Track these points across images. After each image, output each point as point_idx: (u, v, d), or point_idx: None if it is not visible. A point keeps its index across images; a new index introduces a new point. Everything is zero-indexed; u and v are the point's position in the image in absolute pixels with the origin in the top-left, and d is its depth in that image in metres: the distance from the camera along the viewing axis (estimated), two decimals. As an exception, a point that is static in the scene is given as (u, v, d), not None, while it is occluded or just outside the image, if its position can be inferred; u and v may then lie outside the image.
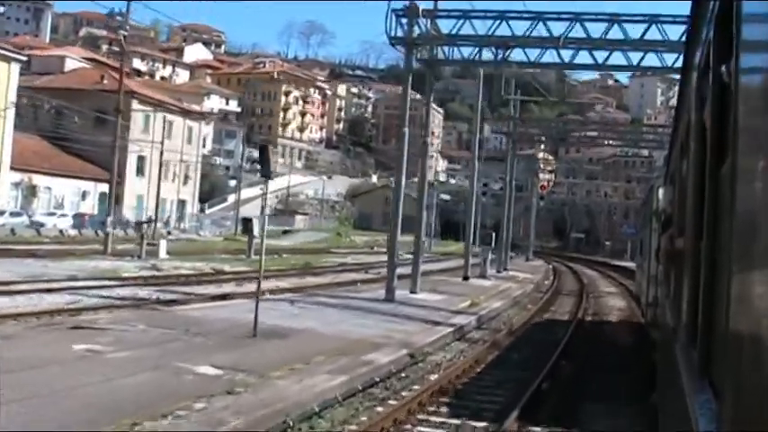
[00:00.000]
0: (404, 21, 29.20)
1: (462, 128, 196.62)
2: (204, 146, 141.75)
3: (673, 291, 6.69)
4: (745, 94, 2.27)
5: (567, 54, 30.33)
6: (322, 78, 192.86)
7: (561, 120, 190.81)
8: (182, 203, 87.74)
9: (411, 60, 30.84)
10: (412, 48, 30.05)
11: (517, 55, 31.19)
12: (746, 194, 2.15)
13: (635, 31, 28.25)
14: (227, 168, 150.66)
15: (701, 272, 3.52)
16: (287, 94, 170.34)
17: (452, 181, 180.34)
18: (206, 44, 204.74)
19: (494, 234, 53.73)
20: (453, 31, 30.34)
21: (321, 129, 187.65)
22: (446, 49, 32.53)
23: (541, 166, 77.64)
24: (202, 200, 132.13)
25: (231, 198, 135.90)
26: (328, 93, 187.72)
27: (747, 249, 2.09)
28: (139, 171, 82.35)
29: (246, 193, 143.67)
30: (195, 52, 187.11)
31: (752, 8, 2.18)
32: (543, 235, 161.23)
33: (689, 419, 3.23)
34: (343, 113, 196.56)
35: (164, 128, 75.97)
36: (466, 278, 40.89)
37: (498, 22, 29.42)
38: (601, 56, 29.37)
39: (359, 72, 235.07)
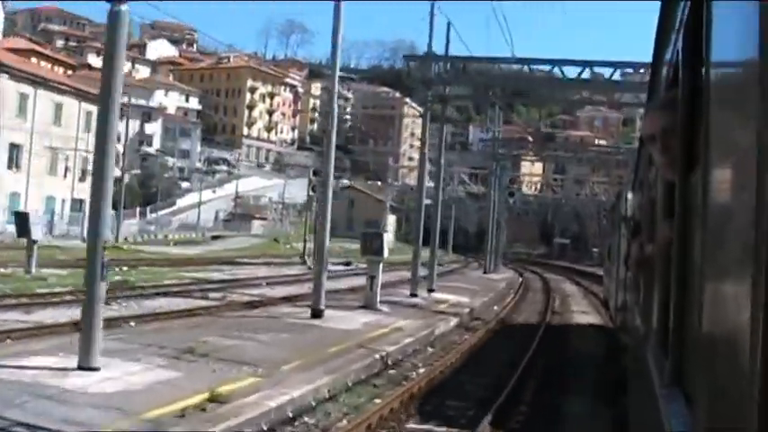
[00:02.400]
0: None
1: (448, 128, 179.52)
2: (151, 144, 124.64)
3: (642, 297, 6.46)
4: (716, 102, 2.24)
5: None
6: (297, 77, 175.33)
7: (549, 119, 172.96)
8: (78, 203, 70.08)
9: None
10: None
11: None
12: (717, 201, 2.15)
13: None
14: (182, 170, 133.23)
15: (671, 278, 3.42)
16: (252, 90, 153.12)
17: (431, 184, 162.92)
18: (177, 42, 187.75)
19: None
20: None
21: (293, 129, 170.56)
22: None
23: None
24: (148, 202, 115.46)
25: (182, 201, 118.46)
26: (300, 91, 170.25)
27: (718, 256, 2.09)
28: (13, 163, 64.75)
29: (203, 195, 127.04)
30: (159, 49, 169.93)
31: (723, 14, 2.16)
32: (530, 241, 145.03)
33: (661, 426, 3.19)
34: (317, 113, 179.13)
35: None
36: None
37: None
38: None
39: (340, 73, 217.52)
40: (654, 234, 4.74)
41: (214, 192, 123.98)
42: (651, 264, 4.88)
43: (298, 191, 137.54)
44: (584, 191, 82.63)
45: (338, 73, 25.81)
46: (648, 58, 5.90)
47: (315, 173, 52.69)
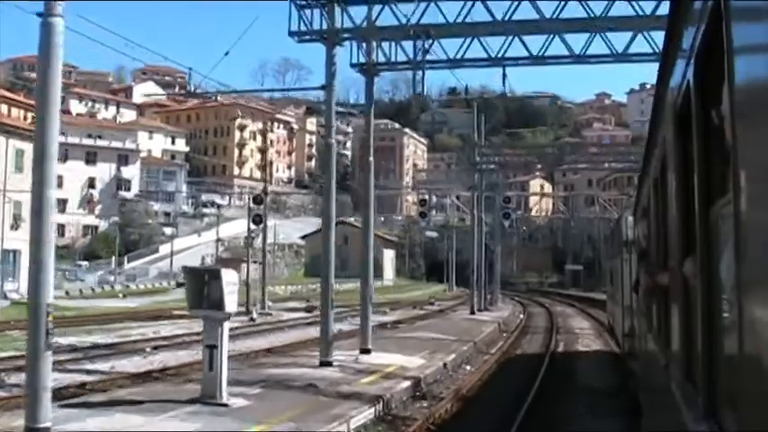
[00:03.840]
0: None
1: (450, 159, 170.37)
2: (129, 189, 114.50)
3: (658, 324, 6.30)
4: (742, 134, 2.21)
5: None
6: (290, 113, 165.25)
7: (555, 144, 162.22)
8: (12, 254, 59.23)
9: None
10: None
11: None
12: (751, 232, 2.12)
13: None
14: (167, 214, 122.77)
15: (696, 308, 3.34)
16: (242, 128, 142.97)
17: (439, 217, 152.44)
18: (168, 86, 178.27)
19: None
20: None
21: (289, 167, 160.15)
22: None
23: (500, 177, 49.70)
24: (129, 250, 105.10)
25: (166, 248, 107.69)
26: (295, 127, 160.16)
27: (755, 285, 2.06)
28: None
29: (187, 241, 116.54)
30: (146, 91, 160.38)
31: (746, 37, 2.12)
32: (543, 268, 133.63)
33: None
34: (314, 150, 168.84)
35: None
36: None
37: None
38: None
39: (339, 108, 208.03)
40: (667, 262, 4.77)
41: (199, 236, 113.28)
42: (667, 292, 4.93)
43: (294, 231, 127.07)
44: (595, 208, 71.33)
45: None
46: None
47: (254, 221, 42.22)
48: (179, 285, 77.57)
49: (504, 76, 21.43)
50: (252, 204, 44.81)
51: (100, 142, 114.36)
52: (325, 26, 19.80)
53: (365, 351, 21.45)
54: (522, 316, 47.37)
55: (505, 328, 37.29)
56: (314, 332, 31.61)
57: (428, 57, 21.12)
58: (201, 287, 14.19)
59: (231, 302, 14.05)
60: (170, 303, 52.74)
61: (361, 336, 22.06)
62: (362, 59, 22.00)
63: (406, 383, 17.63)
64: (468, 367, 23.04)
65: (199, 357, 23.96)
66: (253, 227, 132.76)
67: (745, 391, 2.13)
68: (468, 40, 21.52)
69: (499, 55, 21.16)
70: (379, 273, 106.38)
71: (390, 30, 20.34)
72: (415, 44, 20.26)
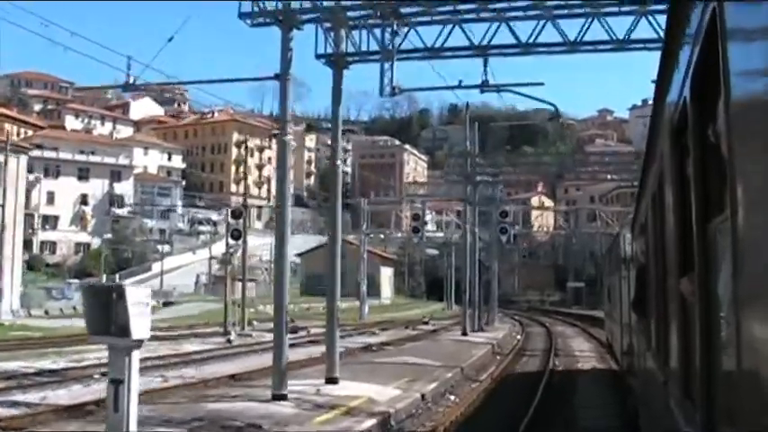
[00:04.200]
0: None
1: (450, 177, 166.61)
2: (122, 206, 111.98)
3: (656, 342, 6.23)
4: (739, 151, 2.22)
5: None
6: (290, 130, 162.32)
7: (557, 158, 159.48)
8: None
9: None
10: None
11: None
12: (749, 249, 2.12)
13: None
14: (162, 231, 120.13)
15: (695, 325, 3.33)
16: (239, 145, 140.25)
17: (440, 234, 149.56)
18: (167, 103, 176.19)
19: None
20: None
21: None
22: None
23: (500, 191, 46.94)
24: (121, 268, 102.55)
25: (158, 266, 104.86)
26: (294, 144, 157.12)
27: (753, 303, 2.06)
28: None
29: (181, 259, 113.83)
30: (143, 108, 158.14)
31: (743, 55, 2.14)
32: (545, 286, 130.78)
33: None
34: (313, 167, 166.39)
35: None
36: None
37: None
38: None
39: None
40: (666, 279, 4.77)
41: (194, 253, 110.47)
42: (665, 309, 4.96)
43: (293, 249, 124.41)
44: (597, 223, 68.57)
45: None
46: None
47: (233, 236, 39.59)
48: (165, 305, 75.10)
49: (486, 64, 18.63)
50: (231, 219, 42.01)
51: (93, 158, 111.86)
52: (280, 6, 17.09)
53: (331, 380, 18.64)
54: (519, 337, 44.45)
55: (500, 351, 34.43)
56: (293, 355, 28.98)
57: (404, 46, 18.44)
58: (106, 308, 11.40)
59: (140, 327, 11.22)
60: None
61: (327, 362, 19.21)
62: (330, 50, 19.35)
63: (371, 422, 14.84)
64: (451, 398, 20.22)
65: (154, 385, 21.33)
66: (251, 243, 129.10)
67: (743, 409, 2.13)
68: (449, 28, 18.82)
69: (483, 43, 18.40)
70: (376, 291, 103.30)
71: (356, 10, 17.63)
72: (384, 31, 17.58)
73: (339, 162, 20.12)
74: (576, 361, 31.18)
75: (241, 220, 40.94)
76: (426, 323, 53.31)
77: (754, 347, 2.01)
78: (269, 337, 40.30)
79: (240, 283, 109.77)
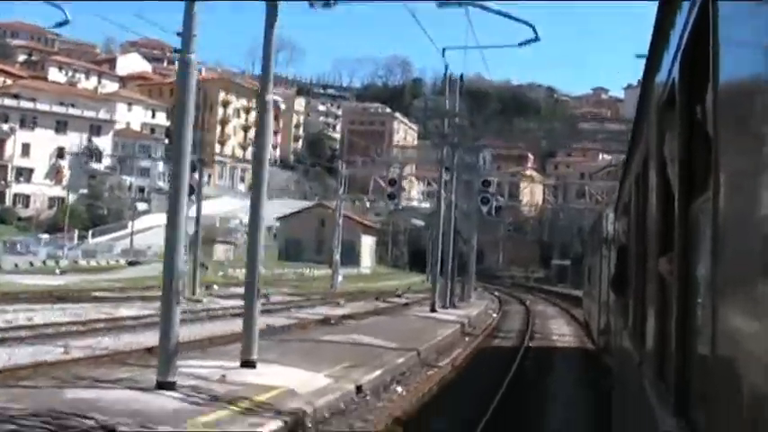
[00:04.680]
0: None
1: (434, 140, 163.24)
2: (100, 161, 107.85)
3: (633, 321, 6.07)
4: (725, 132, 2.22)
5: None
6: (278, 92, 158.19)
7: (549, 131, 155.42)
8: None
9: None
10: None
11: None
12: (729, 229, 2.11)
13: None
14: (142, 190, 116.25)
15: (672, 306, 3.29)
16: (225, 105, 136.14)
17: (426, 205, 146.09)
18: (157, 60, 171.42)
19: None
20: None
21: (274, 147, 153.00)
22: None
23: (486, 161, 43.22)
24: (96, 224, 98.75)
25: (137, 224, 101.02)
26: (282, 107, 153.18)
27: (731, 285, 2.06)
28: None
29: (159, 218, 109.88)
30: (131, 64, 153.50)
31: (732, 32, 2.13)
32: (530, 262, 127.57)
33: None
34: (301, 130, 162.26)
35: None
36: None
37: None
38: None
39: (331, 91, 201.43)
40: (645, 260, 4.75)
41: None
42: (643, 289, 4.89)
43: (276, 213, 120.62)
44: (585, 199, 65.14)
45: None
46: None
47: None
48: (130, 264, 71.56)
49: None
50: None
51: (71, 110, 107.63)
52: None
53: (247, 364, 15.07)
54: (495, 315, 41.02)
55: (471, 331, 30.95)
56: (236, 326, 25.50)
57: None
58: None
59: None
60: (102, 283, 46.39)
61: (243, 342, 15.60)
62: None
63: (275, 425, 11.28)
64: (398, 389, 16.72)
65: (48, 357, 17.98)
66: (233, 206, 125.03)
67: (717, 392, 2.13)
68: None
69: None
70: (355, 259, 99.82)
71: None
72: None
73: (269, 97, 16.36)
74: (554, 347, 27.75)
75: (196, 175, 37.16)
76: (399, 296, 49.85)
77: (728, 331, 2.00)
78: (223, 303, 36.88)
79: (220, 246, 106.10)
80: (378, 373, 16.83)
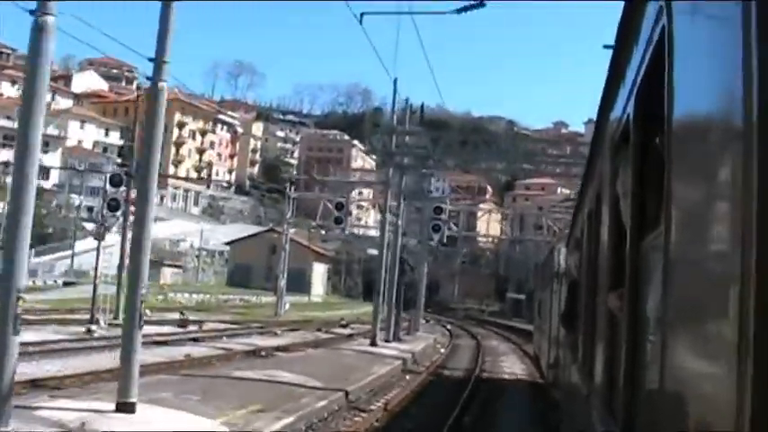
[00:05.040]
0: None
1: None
2: (47, 178, 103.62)
3: (582, 355, 6.13)
4: (677, 169, 2.22)
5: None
6: (235, 116, 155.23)
7: (508, 165, 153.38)
8: None
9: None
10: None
11: None
12: (681, 264, 2.10)
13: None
14: (90, 210, 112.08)
15: (621, 341, 3.30)
16: (181, 126, 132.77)
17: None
18: (115, 79, 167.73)
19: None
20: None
21: (230, 172, 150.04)
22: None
23: (444, 190, 40.81)
24: (40, 242, 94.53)
25: (84, 244, 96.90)
26: (239, 131, 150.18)
27: (680, 321, 2.06)
28: None
29: (109, 239, 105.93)
30: (86, 81, 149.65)
31: (688, 71, 2.13)
32: (485, 295, 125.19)
33: None
34: (258, 155, 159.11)
35: None
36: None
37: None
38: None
39: (290, 117, 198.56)
40: (596, 295, 4.64)
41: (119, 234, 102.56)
42: (593, 323, 4.75)
43: (228, 238, 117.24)
44: (543, 232, 62.96)
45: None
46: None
47: (109, 206, 33.25)
48: (66, 285, 68.08)
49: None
50: (109, 186, 35.37)
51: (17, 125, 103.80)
52: None
53: (125, 407, 12.19)
54: (443, 350, 38.30)
55: (413, 368, 28.23)
56: (151, 355, 22.74)
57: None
58: None
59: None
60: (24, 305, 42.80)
61: (120, 380, 12.72)
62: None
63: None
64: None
65: None
66: (184, 228, 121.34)
67: (663, 426, 2.12)
68: None
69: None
70: (306, 287, 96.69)
71: None
72: None
73: (162, 85, 13.72)
74: (503, 389, 25.11)
75: (122, 189, 34.30)
76: (344, 326, 47.00)
77: (676, 366, 2.01)
78: (147, 329, 33.85)
79: (168, 269, 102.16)
80: (289, 420, 14.06)
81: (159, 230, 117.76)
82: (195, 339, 31.12)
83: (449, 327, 64.35)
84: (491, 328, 70.57)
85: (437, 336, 47.36)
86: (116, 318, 34.05)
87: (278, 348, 29.81)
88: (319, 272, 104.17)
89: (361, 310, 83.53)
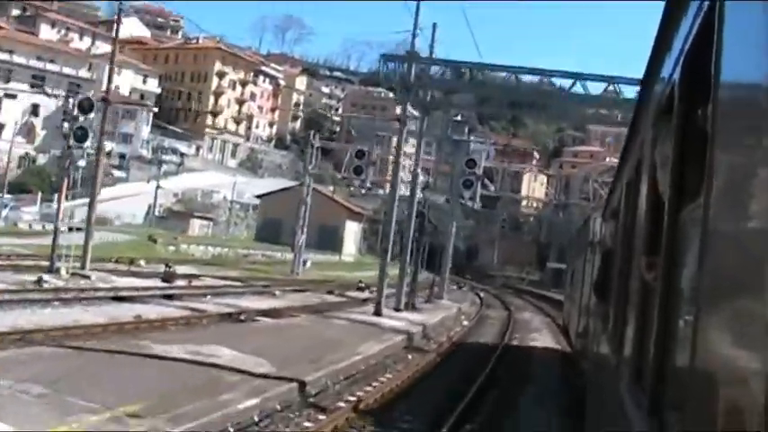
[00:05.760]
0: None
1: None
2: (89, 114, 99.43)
3: (613, 326, 5.88)
4: (722, 139, 2.17)
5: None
6: (278, 68, 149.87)
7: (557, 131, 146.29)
8: None
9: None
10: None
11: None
12: (719, 238, 2.08)
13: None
14: (122, 156, 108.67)
15: (653, 311, 3.22)
16: (221, 76, 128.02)
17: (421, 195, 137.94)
18: (160, 28, 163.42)
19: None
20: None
21: (271, 125, 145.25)
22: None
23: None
24: (55, 190, 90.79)
25: (111, 191, 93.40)
26: (282, 83, 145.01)
27: (716, 294, 2.04)
28: None
29: (134, 187, 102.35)
30: (129, 29, 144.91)
31: (737, 34, 2.06)
32: (526, 263, 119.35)
33: None
34: (300, 110, 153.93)
35: None
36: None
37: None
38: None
39: (337, 73, 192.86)
40: (631, 265, 4.65)
41: (148, 182, 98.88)
42: (626, 293, 4.80)
43: (259, 189, 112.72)
44: (589, 197, 57.32)
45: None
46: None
47: (75, 136, 28.48)
48: (71, 230, 63.91)
49: None
50: (78, 113, 30.49)
51: (50, 66, 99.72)
52: None
53: None
54: (466, 323, 32.94)
55: (422, 344, 22.98)
56: (93, 314, 17.92)
57: None
58: None
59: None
60: (2, 249, 38.87)
61: None
62: None
63: None
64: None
65: None
66: (218, 180, 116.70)
67: (692, 397, 2.13)
68: None
69: None
70: (338, 246, 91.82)
71: None
72: None
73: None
74: (530, 375, 19.79)
75: (92, 115, 29.44)
76: (362, 289, 41.89)
77: (709, 339, 1.99)
78: (118, 281, 29.02)
79: (197, 221, 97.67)
80: (191, 426, 8.88)
81: (192, 181, 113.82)
82: (170, 296, 26.18)
83: (482, 294, 58.96)
84: (528, 298, 65.06)
85: (464, 305, 41.87)
86: (83, 267, 29.32)
87: (265, 313, 24.80)
88: (352, 230, 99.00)
89: (392, 273, 78.44)
